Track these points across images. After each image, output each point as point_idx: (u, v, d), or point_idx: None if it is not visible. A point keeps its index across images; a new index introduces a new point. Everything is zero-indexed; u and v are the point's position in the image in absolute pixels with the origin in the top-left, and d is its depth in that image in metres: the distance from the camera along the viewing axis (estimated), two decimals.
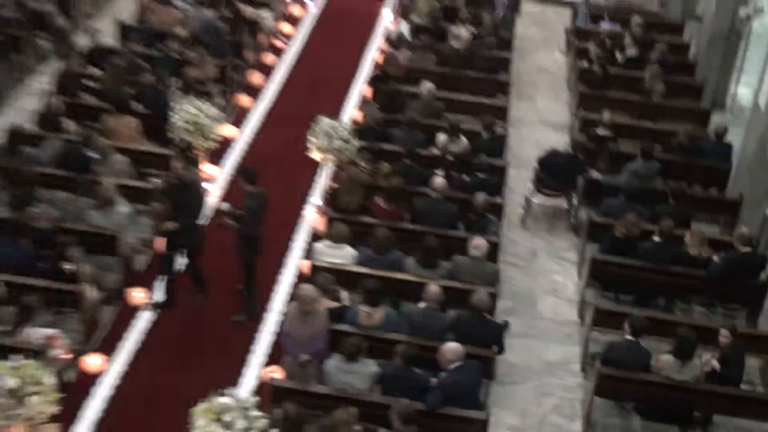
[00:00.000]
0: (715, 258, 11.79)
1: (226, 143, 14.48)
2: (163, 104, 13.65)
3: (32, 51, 16.16)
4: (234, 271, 11.54)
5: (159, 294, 11.55)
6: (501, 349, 10.53)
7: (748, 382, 10.92)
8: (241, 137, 15.03)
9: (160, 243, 11.58)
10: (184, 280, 11.55)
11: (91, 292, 10.66)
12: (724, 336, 10.14)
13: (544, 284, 12.79)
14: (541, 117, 16.83)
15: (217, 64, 15.30)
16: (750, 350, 10.84)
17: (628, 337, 10.29)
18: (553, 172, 13.80)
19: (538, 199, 13.98)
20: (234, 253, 11.31)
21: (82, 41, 16.02)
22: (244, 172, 11.84)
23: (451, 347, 9.48)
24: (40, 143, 12.84)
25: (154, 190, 12.52)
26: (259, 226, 11.21)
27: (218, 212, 11.23)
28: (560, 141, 14.93)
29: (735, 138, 14.72)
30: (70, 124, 13.41)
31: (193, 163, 11.94)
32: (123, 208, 11.72)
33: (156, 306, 11.47)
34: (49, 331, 9.90)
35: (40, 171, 12.04)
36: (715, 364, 10.12)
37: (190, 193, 11.25)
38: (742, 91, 16.93)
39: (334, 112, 14.30)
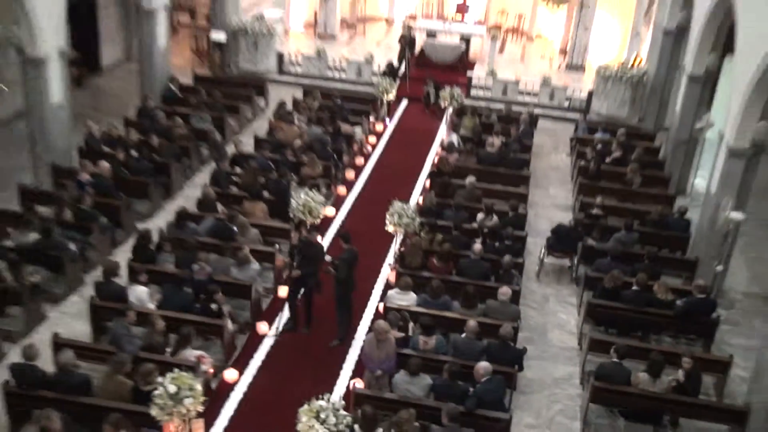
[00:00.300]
0: (679, 302, 11.54)
1: (328, 220, 14.59)
2: (284, 193, 13.82)
3: (196, 156, 16.53)
4: (331, 308, 11.58)
5: (285, 322, 11.60)
6: (521, 368, 10.39)
7: (704, 393, 10.62)
8: (339, 215, 15.14)
9: (286, 287, 11.72)
10: (299, 313, 11.63)
11: (230, 325, 10.81)
12: (686, 361, 10.08)
13: (553, 321, 12.56)
14: (551, 201, 16.67)
15: (323, 165, 15.49)
16: (705, 370, 10.62)
17: (614, 359, 10.13)
18: (560, 240, 13.67)
19: (549, 260, 13.81)
20: (333, 294, 11.44)
21: (230, 149, 16.36)
22: (341, 235, 12.05)
23: (483, 365, 9.39)
24: (200, 220, 13.08)
25: (280, 249, 12.71)
26: (352, 274, 11.30)
27: (324, 263, 11.33)
28: (565, 218, 14.76)
29: (693, 215, 14.43)
30: (220, 207, 13.65)
31: (308, 231, 12.10)
32: (255, 265, 11.87)
33: (284, 330, 11.49)
34: (199, 353, 10.02)
35: (199, 240, 12.22)
36: (681, 377, 9.95)
37: (311, 250, 11.36)
38: (698, 181, 16.61)
39: (404, 197, 14.33)
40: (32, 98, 14.23)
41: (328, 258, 11.41)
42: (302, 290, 11.41)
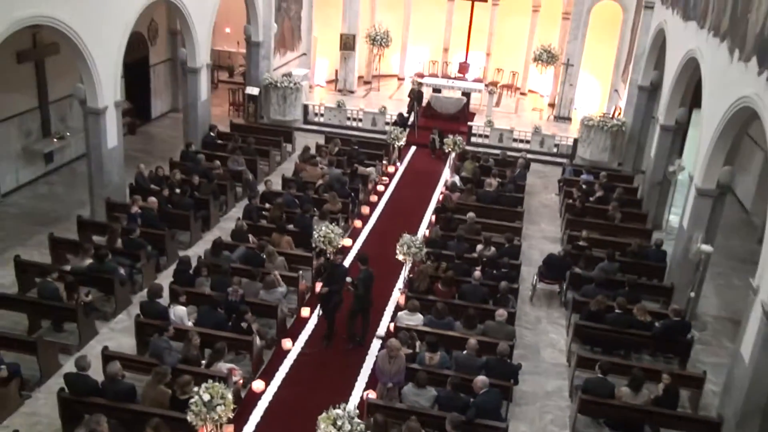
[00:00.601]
0: (657, 324, 11.34)
1: (345, 249, 14.47)
2: (308, 226, 13.76)
3: (231, 194, 16.51)
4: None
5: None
6: (516, 382, 10.19)
7: (681, 406, 10.34)
8: (355, 246, 15.02)
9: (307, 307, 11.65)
10: (321, 328, 11.49)
11: (258, 341, 10.68)
12: (666, 378, 9.92)
13: (545, 340, 12.33)
14: (542, 234, 16.49)
15: (341, 202, 15.42)
16: (682, 385, 10.38)
17: (599, 375, 9.90)
18: (550, 268, 13.48)
19: (540, 286, 13.60)
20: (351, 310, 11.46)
21: (261, 188, 16.36)
22: (359, 257, 12.09)
23: (481, 379, 9.24)
24: (233, 249, 13.01)
25: (302, 275, 12.61)
26: (369, 291, 11.30)
27: (345, 282, 11.27)
28: (555, 249, 14.57)
29: (668, 247, 14.23)
30: (251, 238, 13.60)
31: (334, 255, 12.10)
32: (281, 289, 11.75)
33: (326, 346, 11.49)
34: (231, 365, 9.91)
35: (232, 266, 12.16)
36: (660, 391, 9.72)
37: (336, 270, 11.38)
38: (672, 218, 16.43)
39: (412, 230, 14.20)
40: (92, 142, 14.30)
41: (348, 279, 11.33)
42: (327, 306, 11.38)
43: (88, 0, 13.12)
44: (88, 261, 11.93)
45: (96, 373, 9.39)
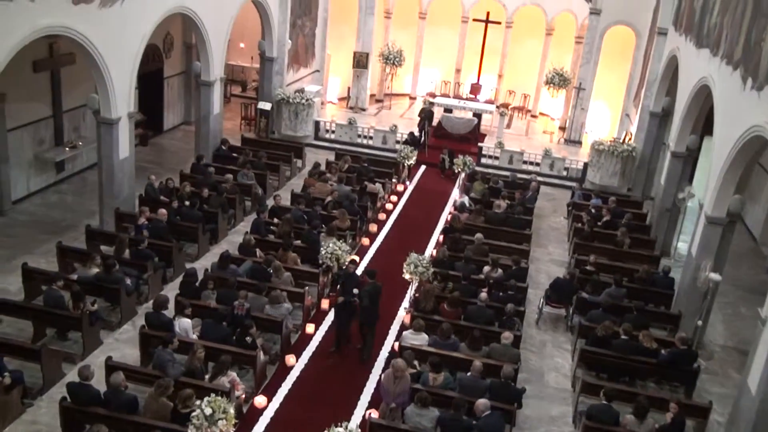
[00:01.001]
0: (663, 352, 11.25)
1: (355, 264, 14.40)
2: (315, 242, 13.78)
3: (240, 207, 16.54)
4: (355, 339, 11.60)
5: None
6: (520, 406, 10.12)
7: None
8: (362, 263, 14.98)
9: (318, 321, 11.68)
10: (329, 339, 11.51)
11: (261, 356, 10.66)
12: (673, 407, 9.73)
13: (550, 364, 12.25)
14: (550, 257, 16.46)
15: (350, 219, 15.43)
16: (688, 415, 10.21)
17: (604, 401, 9.82)
18: (557, 292, 13.43)
19: (547, 309, 13.55)
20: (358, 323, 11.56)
21: (269, 202, 16.39)
22: (367, 271, 12.30)
23: (482, 402, 9.19)
24: (240, 263, 13.02)
25: (308, 291, 12.60)
26: (376, 304, 11.39)
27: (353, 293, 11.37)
28: (562, 273, 14.50)
29: (676, 275, 14.14)
30: (258, 252, 13.62)
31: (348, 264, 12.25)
32: (286, 304, 11.73)
33: (333, 351, 11.61)
34: (234, 379, 9.87)
35: (239, 280, 12.16)
36: (668, 420, 9.60)
37: (351, 279, 11.54)
38: (681, 245, 16.35)
39: (419, 250, 14.16)
40: (103, 153, 14.40)
41: (355, 291, 11.36)
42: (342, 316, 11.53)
43: (106, 12, 13.30)
44: (95, 270, 11.97)
45: (99, 383, 9.37)
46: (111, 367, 9.72)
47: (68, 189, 17.03)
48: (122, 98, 14.24)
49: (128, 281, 12.11)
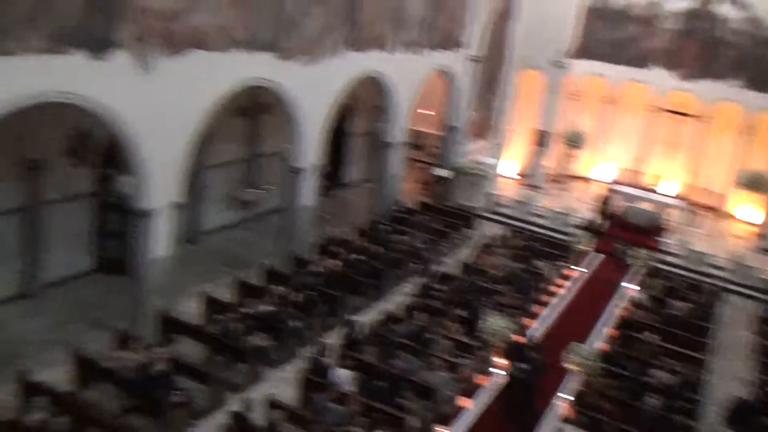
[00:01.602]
0: None
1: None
2: (477, 315, 13.63)
3: (407, 268, 16.61)
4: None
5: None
6: None
7: None
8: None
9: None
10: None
11: (414, 422, 10.57)
12: None
13: None
14: (731, 373, 14.82)
15: (517, 298, 15.17)
16: None
17: None
18: (737, 414, 12.16)
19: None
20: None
21: (437, 268, 16.53)
22: (531, 345, 12.43)
23: None
24: (401, 323, 13.15)
25: (466, 364, 12.44)
26: (538, 377, 11.38)
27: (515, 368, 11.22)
28: (743, 392, 13.10)
29: None
30: (422, 316, 13.65)
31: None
32: (443, 374, 11.67)
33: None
34: None
35: (399, 340, 12.23)
36: None
37: (523, 353, 11.71)
38: None
39: (580, 338, 13.49)
40: (288, 198, 15.42)
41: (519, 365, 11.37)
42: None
43: (309, 69, 14.45)
44: (268, 308, 12.63)
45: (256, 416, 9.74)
46: (273, 404, 10.09)
47: (251, 228, 18.30)
48: (311, 151, 15.25)
49: (295, 323, 12.62)
